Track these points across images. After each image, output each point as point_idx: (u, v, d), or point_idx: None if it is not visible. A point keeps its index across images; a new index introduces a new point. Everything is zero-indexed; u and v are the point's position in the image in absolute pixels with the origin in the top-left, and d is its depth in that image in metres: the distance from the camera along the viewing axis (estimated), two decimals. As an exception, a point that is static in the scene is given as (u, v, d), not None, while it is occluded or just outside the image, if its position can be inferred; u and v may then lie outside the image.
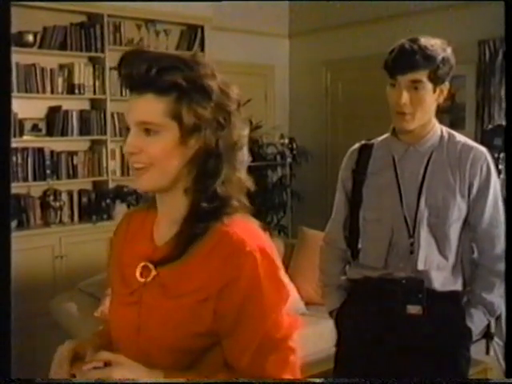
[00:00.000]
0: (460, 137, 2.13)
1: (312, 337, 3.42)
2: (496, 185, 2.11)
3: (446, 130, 2.13)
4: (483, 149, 2.12)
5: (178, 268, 1.23)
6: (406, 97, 1.97)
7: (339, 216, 2.27)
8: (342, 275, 2.28)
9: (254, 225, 1.28)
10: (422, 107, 2.00)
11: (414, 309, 2.06)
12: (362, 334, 2.14)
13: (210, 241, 1.22)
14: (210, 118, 1.21)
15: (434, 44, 1.99)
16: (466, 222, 2.10)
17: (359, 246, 2.17)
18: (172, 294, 1.23)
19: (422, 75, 1.96)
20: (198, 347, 1.23)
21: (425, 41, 1.98)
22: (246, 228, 1.25)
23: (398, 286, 2.06)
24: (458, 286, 2.12)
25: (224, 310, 1.20)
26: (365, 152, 2.18)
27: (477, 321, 2.11)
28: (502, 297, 2.10)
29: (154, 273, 1.26)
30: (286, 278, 1.29)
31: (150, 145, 1.21)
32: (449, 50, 2.02)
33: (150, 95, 1.20)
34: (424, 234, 2.05)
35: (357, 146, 2.24)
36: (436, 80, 1.98)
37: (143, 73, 1.18)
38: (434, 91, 2.00)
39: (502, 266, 2.05)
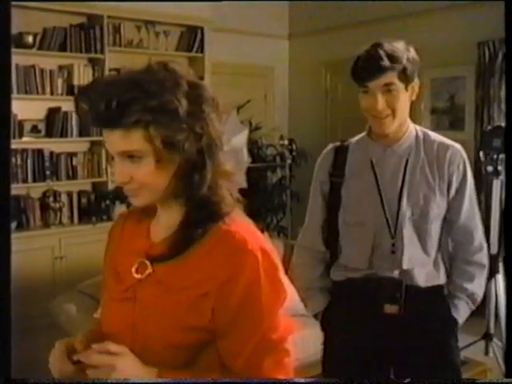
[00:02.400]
0: (435, 136, 2.16)
1: (311, 338, 3.41)
2: (471, 181, 2.15)
3: (420, 129, 2.16)
4: (458, 146, 2.15)
5: (177, 264, 1.24)
6: (381, 101, 1.99)
7: (316, 219, 2.25)
8: (324, 277, 2.26)
9: (252, 225, 1.30)
10: (399, 107, 2.01)
11: (390, 308, 2.08)
12: (349, 334, 2.14)
13: (211, 239, 1.24)
14: (184, 136, 1.19)
15: (397, 46, 2.01)
16: (444, 218, 2.14)
17: (339, 247, 2.17)
18: (170, 289, 1.24)
19: (393, 77, 1.98)
20: (194, 343, 1.24)
21: (387, 45, 2.00)
22: (246, 228, 1.26)
23: (379, 286, 2.08)
24: (440, 279, 2.15)
25: (222, 307, 1.21)
26: (340, 154, 2.19)
27: (461, 311, 2.15)
28: (481, 286, 2.18)
29: (149, 269, 1.28)
30: (285, 279, 1.29)
31: (137, 171, 1.21)
32: (412, 50, 2.05)
33: (119, 130, 1.18)
34: (407, 234, 2.06)
35: (330, 147, 2.25)
36: (406, 79, 2.00)
37: (103, 111, 1.16)
38: (406, 89, 2.02)
39: (480, 257, 2.16)
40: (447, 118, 5.43)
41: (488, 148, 3.49)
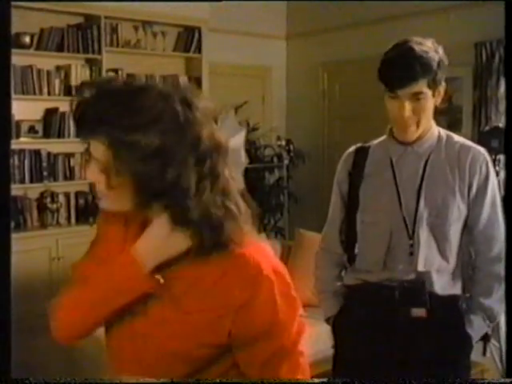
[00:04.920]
0: (458, 138, 2.12)
1: (309, 339, 3.41)
2: (494, 186, 2.09)
3: (443, 131, 2.12)
4: (481, 149, 2.11)
5: (191, 284, 1.24)
6: (408, 109, 1.95)
7: (335, 220, 2.24)
8: (338, 281, 2.24)
9: (262, 244, 1.30)
10: (425, 114, 1.99)
11: (418, 311, 2.02)
12: (361, 340, 2.10)
13: (225, 261, 1.23)
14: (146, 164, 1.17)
15: (428, 49, 1.96)
16: (465, 224, 2.07)
17: (356, 250, 2.13)
18: (185, 309, 1.23)
19: (422, 86, 1.94)
20: (206, 358, 1.25)
21: (419, 48, 1.94)
22: (259, 250, 1.27)
23: (400, 290, 2.03)
24: (457, 289, 2.08)
25: (240, 329, 1.23)
26: (361, 154, 2.16)
27: (476, 327, 2.07)
28: (501, 301, 2.05)
29: (161, 281, 1.24)
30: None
31: (92, 175, 1.23)
32: (441, 51, 2.00)
33: (91, 140, 1.22)
34: (424, 235, 2.02)
35: (352, 148, 2.22)
36: (435, 86, 1.97)
37: (80, 119, 1.21)
38: (434, 95, 1.99)
39: (499, 269, 2.03)
40: (444, 118, 5.41)
41: (486, 149, 3.49)
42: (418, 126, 1.99)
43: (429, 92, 1.96)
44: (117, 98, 1.19)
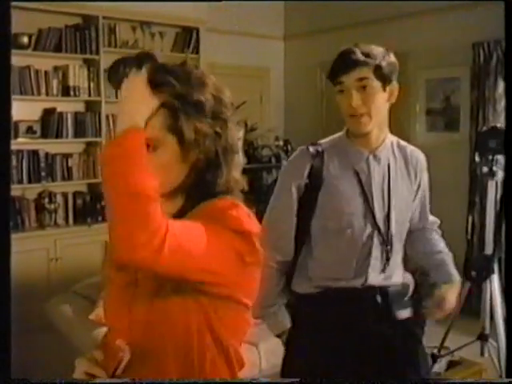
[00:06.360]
0: (403, 142, 2.15)
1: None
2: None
3: (391, 136, 2.12)
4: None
5: None
6: (356, 97, 1.92)
7: (288, 226, 2.07)
8: (285, 291, 2.13)
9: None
10: (375, 105, 1.95)
11: (403, 313, 2.10)
12: (338, 347, 2.03)
13: (208, 208, 1.24)
14: (209, 131, 1.21)
15: (374, 47, 1.99)
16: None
17: (310, 256, 2.07)
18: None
19: (367, 72, 1.93)
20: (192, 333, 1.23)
21: (363, 45, 2.00)
22: (246, 212, 1.27)
23: (382, 294, 2.05)
24: (404, 278, 2.16)
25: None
26: (316, 157, 2.04)
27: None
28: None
29: None
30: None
31: (150, 162, 1.18)
32: (391, 55, 2.01)
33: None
34: (396, 240, 2.06)
35: (303, 150, 2.08)
36: (382, 77, 1.95)
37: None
38: (384, 90, 1.96)
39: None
40: (442, 118, 5.43)
41: (483, 149, 3.49)
42: (370, 116, 1.96)
43: (375, 81, 1.94)
44: (165, 69, 1.21)
